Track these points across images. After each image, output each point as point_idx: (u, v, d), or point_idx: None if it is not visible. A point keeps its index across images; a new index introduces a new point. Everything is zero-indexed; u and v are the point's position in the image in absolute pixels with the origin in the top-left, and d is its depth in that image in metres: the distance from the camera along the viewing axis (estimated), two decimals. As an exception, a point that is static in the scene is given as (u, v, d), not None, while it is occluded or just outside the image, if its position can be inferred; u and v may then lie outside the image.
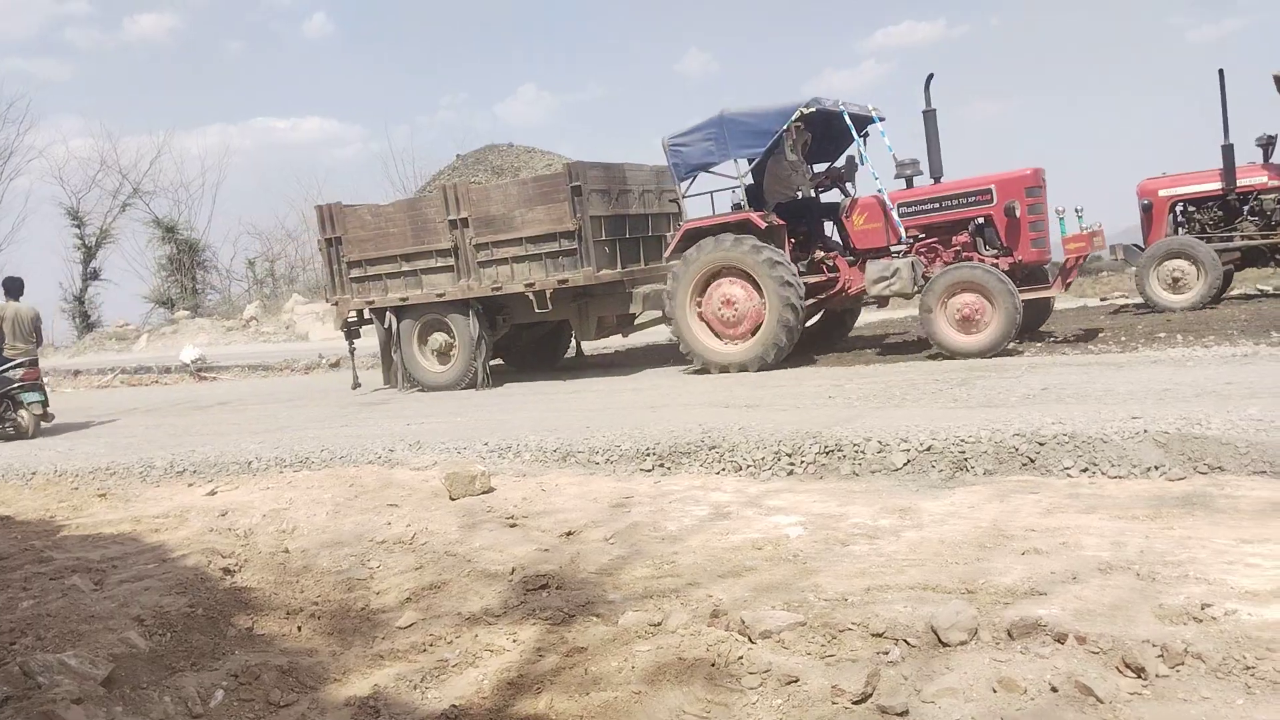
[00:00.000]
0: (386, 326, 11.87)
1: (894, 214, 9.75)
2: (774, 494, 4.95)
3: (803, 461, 5.41)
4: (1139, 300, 11.61)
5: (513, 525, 4.81)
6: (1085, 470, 4.64)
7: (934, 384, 7.49)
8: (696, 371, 10.16)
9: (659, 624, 3.22)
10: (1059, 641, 2.66)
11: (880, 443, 5.31)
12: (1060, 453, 4.80)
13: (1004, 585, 3.19)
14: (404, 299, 11.73)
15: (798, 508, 4.61)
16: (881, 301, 10.76)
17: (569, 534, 4.54)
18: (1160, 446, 4.61)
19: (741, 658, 2.88)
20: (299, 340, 23.01)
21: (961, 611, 2.81)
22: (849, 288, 10.37)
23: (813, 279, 10.18)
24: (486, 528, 4.79)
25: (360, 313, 12.29)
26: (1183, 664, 2.51)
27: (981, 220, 9.77)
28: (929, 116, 9.97)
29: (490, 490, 5.50)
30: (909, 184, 10.09)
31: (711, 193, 10.70)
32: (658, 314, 11.53)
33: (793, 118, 9.82)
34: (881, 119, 10.52)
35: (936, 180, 10.07)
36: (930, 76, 10.07)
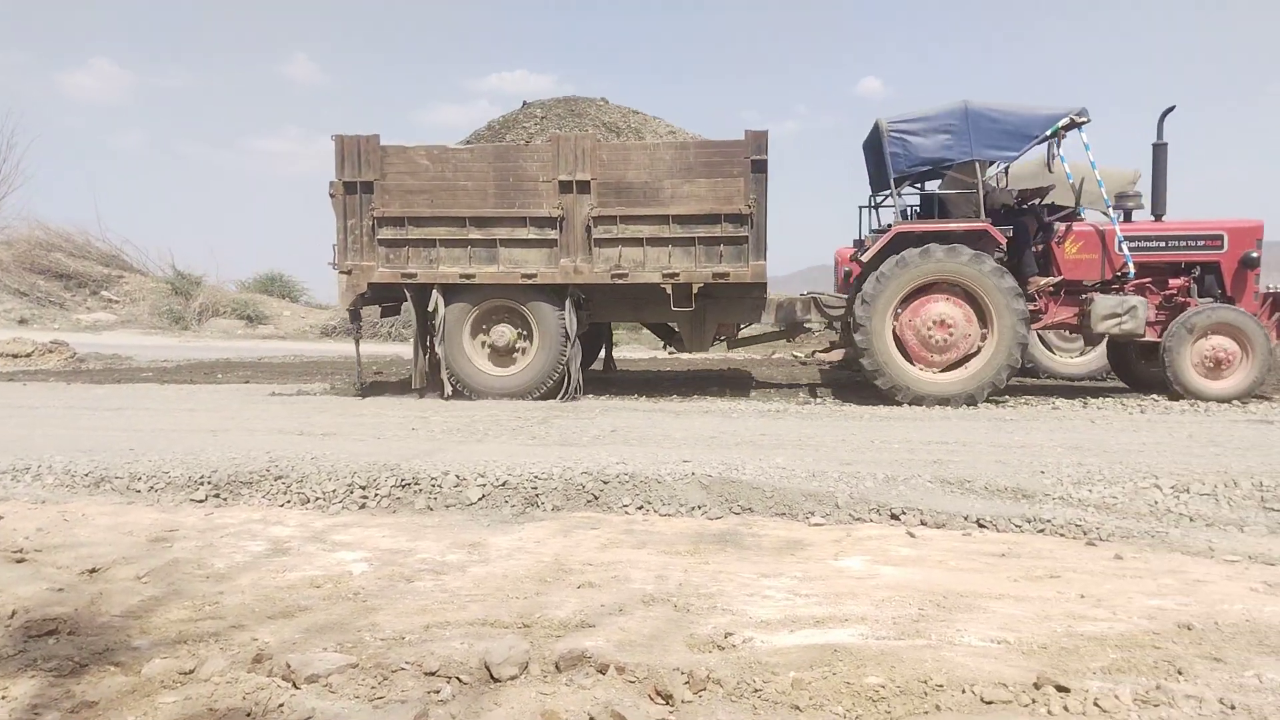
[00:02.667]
0: (431, 309, 9.08)
1: (1124, 248, 9.18)
2: (342, 528, 4.72)
3: (377, 495, 5.24)
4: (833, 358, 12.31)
5: (20, 560, 4.09)
6: (641, 508, 4.99)
7: (516, 421, 7.68)
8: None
9: (191, 672, 2.88)
10: (601, 672, 2.78)
11: (458, 477, 5.31)
12: (621, 491, 5.12)
13: (558, 618, 3.30)
14: (467, 275, 8.96)
15: (365, 543, 4.43)
16: (1094, 338, 9.61)
17: (92, 571, 3.95)
18: (704, 488, 5.09)
19: (283, 705, 2.67)
20: None
21: (514, 646, 2.85)
22: (1051, 319, 9.43)
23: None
24: (-16, 564, 4.02)
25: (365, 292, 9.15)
26: (705, 689, 2.74)
27: (1200, 265, 9.37)
28: (1159, 150, 9.39)
29: (-5, 519, 4.65)
30: (1127, 217, 9.57)
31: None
32: (769, 328, 9.95)
33: (1060, 124, 8.93)
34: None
35: (1157, 218, 9.53)
36: (1169, 109, 9.38)
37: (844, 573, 3.91)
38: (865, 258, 9.08)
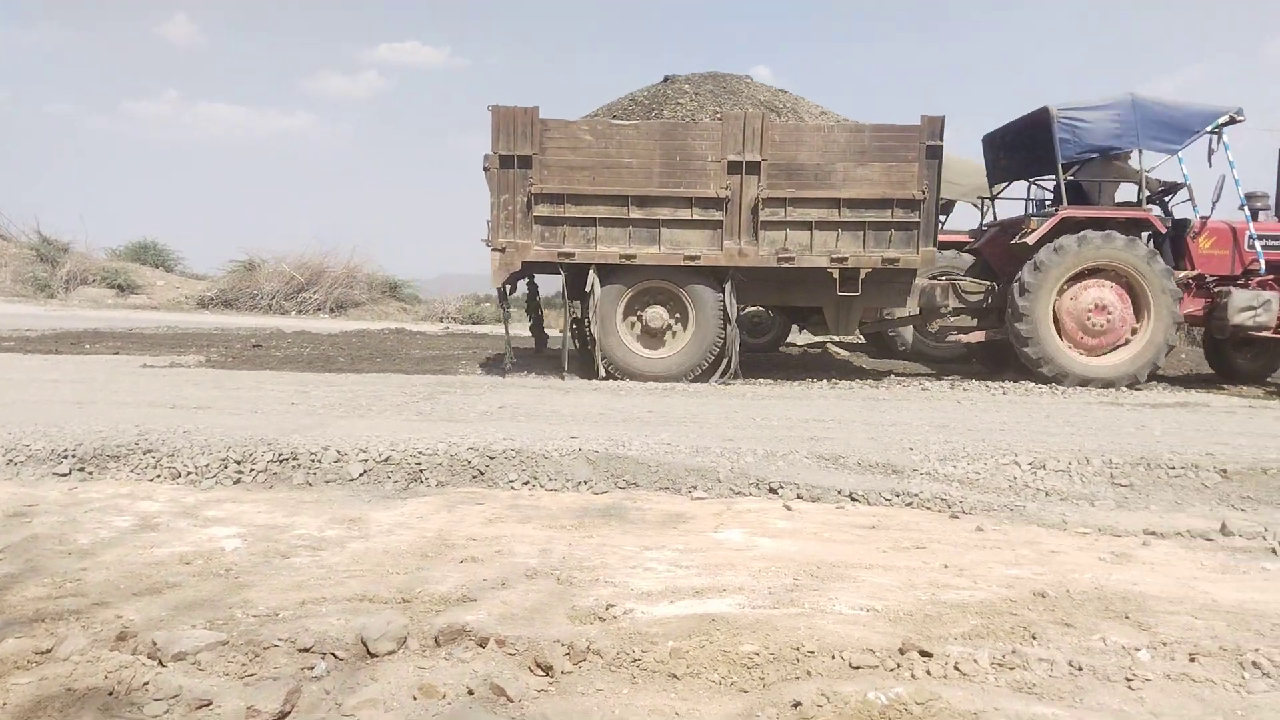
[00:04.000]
0: (589, 290, 8.75)
1: (1255, 244, 9.52)
2: (215, 504, 4.57)
3: (253, 470, 5.08)
4: None
5: None
6: (527, 483, 4.99)
7: (401, 396, 7.55)
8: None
9: (48, 651, 2.76)
10: (481, 645, 2.79)
11: (339, 452, 5.19)
12: (507, 466, 5.11)
13: (439, 593, 3.28)
14: (627, 256, 8.66)
15: (240, 518, 4.30)
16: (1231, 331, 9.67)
17: (-61, 549, 3.72)
18: (591, 463, 5.13)
19: (147, 684, 2.58)
20: None
21: (392, 621, 2.82)
22: (1181, 310, 9.52)
23: None
24: None
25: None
26: (585, 660, 2.78)
27: None
28: None
29: None
30: (1254, 216, 9.79)
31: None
32: (902, 312, 9.86)
33: (1220, 121, 9.21)
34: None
35: None
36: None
37: (724, 545, 4.01)
38: (1032, 240, 9.17)
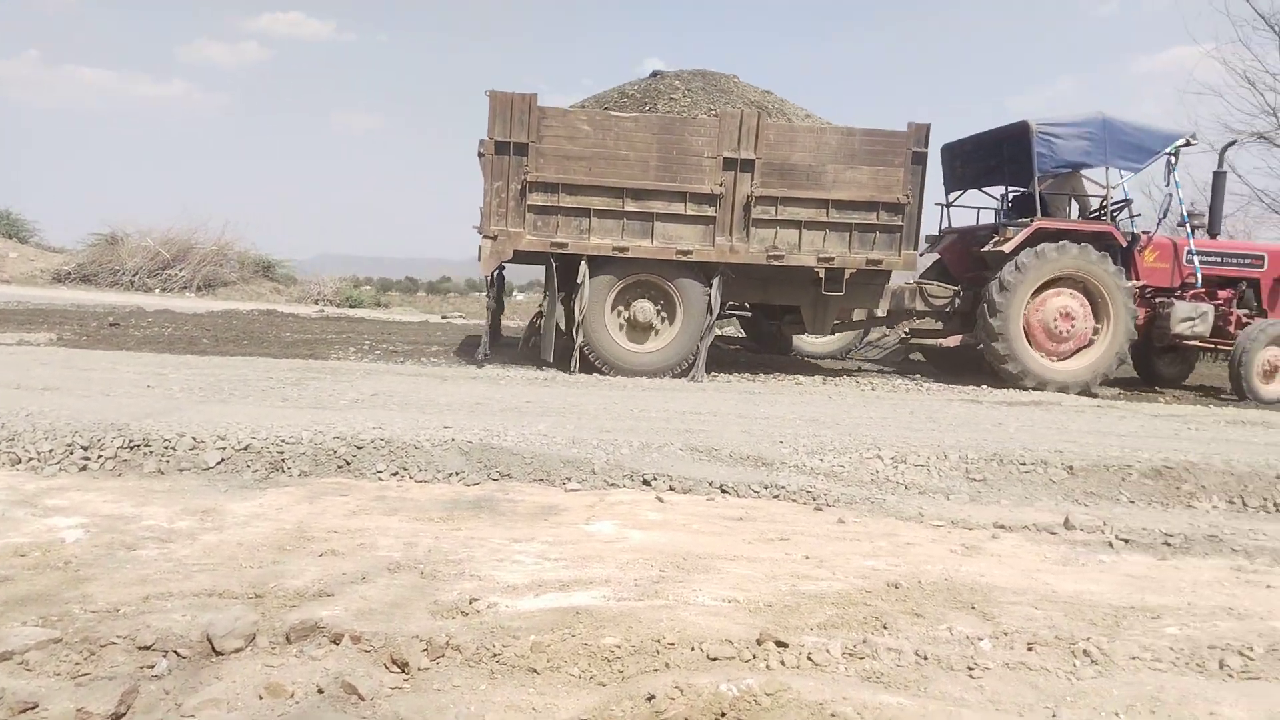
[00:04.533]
0: (580, 281, 8.62)
1: (1194, 260, 10.33)
2: (57, 492, 4.31)
3: (101, 456, 4.81)
4: None
5: None
6: (395, 474, 4.88)
7: (267, 381, 7.28)
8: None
9: None
10: (335, 642, 2.71)
11: (195, 439, 4.97)
12: (375, 456, 4.99)
13: (294, 588, 3.17)
14: (620, 249, 8.60)
15: (84, 508, 4.06)
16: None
17: None
18: (464, 454, 5.05)
19: (-34, 687, 2.41)
20: None
21: (241, 617, 2.72)
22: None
23: None
24: None
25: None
26: (443, 656, 2.73)
27: (1245, 281, 10.59)
28: (1219, 178, 10.73)
29: None
30: (1192, 234, 10.51)
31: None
32: (876, 314, 10.13)
33: (1177, 143, 9.89)
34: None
35: (1213, 236, 10.67)
36: (1230, 143, 10.69)
37: (594, 537, 4.01)
38: (1009, 248, 9.57)
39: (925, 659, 2.80)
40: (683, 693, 2.28)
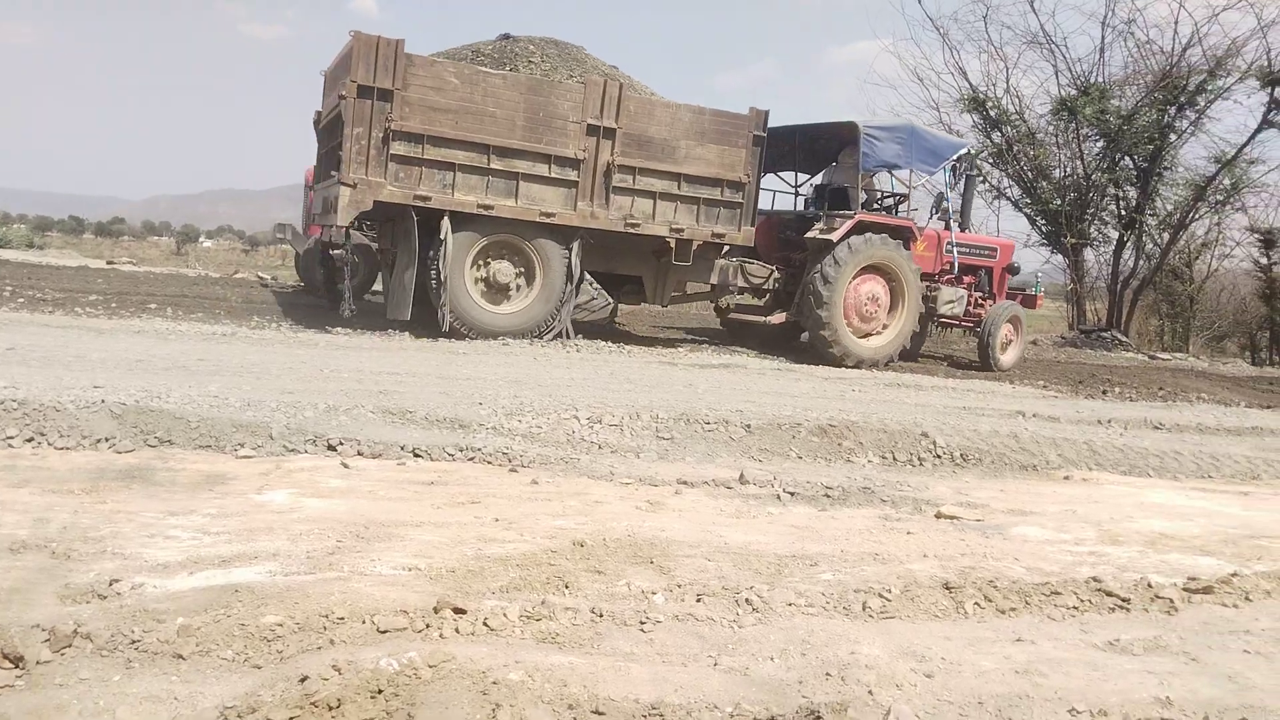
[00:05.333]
0: (442, 238, 8.50)
1: (954, 250, 11.66)
2: None
3: None
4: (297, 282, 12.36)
5: None
6: (31, 440, 4.26)
7: None
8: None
9: None
10: (-77, 641, 2.29)
11: None
12: (6, 420, 4.33)
13: (-123, 579, 2.66)
14: (485, 207, 8.63)
15: None
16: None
17: None
18: (116, 418, 4.51)
19: None
20: None
21: None
22: None
23: None
24: None
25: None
26: (70, 646, 2.40)
27: (984, 270, 12.29)
28: (971, 180, 12.34)
29: None
30: (947, 225, 11.81)
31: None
32: (703, 288, 10.71)
33: (961, 152, 11.67)
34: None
35: (963, 230, 12.18)
36: (978, 153, 11.64)
37: (265, 507, 3.72)
38: (836, 237, 10.32)
39: (601, 616, 2.84)
40: (340, 671, 2.13)
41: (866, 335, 10.76)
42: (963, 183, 12.31)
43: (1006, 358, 12.01)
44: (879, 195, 11.95)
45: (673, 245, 9.78)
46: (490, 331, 9.02)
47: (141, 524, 3.40)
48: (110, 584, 2.81)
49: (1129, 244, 21.78)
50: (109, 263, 16.22)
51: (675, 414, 5.88)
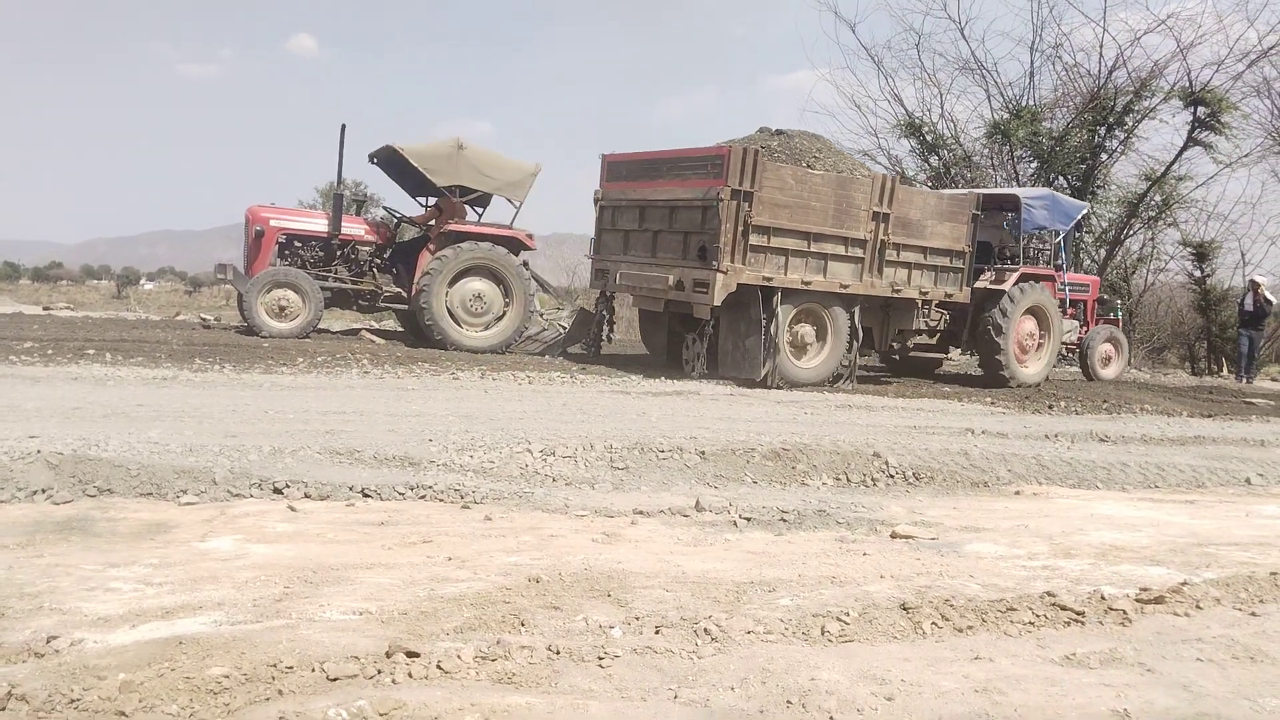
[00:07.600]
0: (775, 310, 10.32)
1: (1067, 290, 13.79)
2: None
3: None
4: (240, 322, 12.05)
5: None
6: (-38, 496, 4.11)
7: None
8: None
9: None
10: None
11: None
12: (-66, 476, 4.17)
13: None
14: (806, 283, 10.59)
15: None
16: None
17: None
18: (52, 468, 4.37)
19: None
20: None
21: None
22: None
23: None
24: None
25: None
26: (4, 710, 2.30)
27: (1081, 303, 14.64)
28: (1081, 233, 14.75)
29: None
30: (1060, 269, 13.77)
31: None
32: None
33: (1084, 211, 14.59)
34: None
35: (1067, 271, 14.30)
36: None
37: (209, 555, 3.62)
38: (1007, 287, 12.33)
39: (558, 653, 2.79)
40: (288, 724, 2.07)
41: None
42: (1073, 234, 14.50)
43: (1108, 371, 14.53)
44: (1031, 251, 13.94)
45: (919, 305, 11.72)
46: (797, 382, 10.72)
47: (80, 577, 3.28)
48: (48, 641, 2.70)
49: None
50: (45, 308, 15.78)
51: (629, 443, 5.85)
